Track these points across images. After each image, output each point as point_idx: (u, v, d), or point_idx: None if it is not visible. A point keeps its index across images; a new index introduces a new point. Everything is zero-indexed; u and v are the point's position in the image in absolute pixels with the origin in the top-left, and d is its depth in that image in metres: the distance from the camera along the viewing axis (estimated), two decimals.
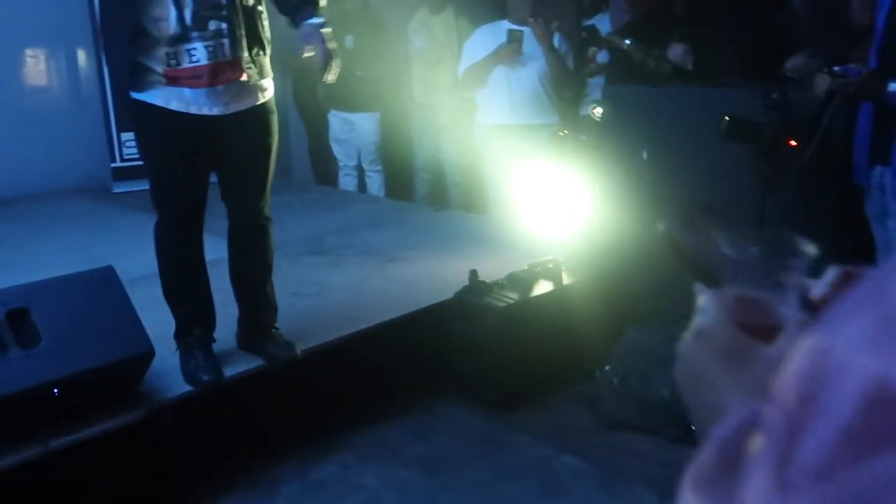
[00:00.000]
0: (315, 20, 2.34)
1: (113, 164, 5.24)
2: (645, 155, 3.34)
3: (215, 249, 2.66)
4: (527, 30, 4.06)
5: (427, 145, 5.35)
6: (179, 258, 2.48)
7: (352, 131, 5.33)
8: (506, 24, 4.18)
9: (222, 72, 2.31)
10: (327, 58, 2.33)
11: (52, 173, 5.23)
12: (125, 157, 5.19)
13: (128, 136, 5.02)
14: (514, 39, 4.03)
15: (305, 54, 2.36)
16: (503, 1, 4.36)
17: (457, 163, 5.18)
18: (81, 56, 5.58)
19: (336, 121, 5.33)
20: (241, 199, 2.52)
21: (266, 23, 2.45)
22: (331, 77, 2.36)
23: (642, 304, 3.30)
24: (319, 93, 5.28)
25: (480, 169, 4.63)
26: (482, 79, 4.13)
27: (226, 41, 2.30)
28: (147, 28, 2.27)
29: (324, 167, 5.89)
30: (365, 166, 5.46)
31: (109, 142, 5.23)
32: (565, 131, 3.58)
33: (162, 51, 2.26)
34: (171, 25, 2.25)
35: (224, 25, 2.30)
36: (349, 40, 5.00)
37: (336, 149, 5.47)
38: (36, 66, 5.59)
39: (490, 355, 3.05)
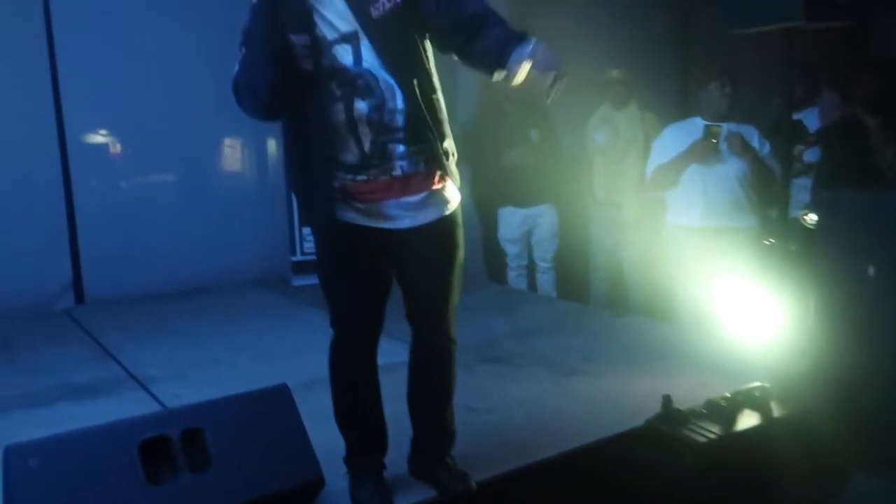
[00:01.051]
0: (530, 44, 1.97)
1: (293, 258, 5.36)
2: (871, 270, 2.91)
3: (395, 353, 2.52)
4: (726, 125, 3.76)
5: (607, 243, 5.09)
6: (352, 381, 2.34)
7: (528, 226, 5.16)
8: (699, 121, 3.89)
9: (400, 187, 2.17)
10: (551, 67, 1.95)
11: (234, 264, 5.41)
12: (305, 250, 5.29)
13: (308, 230, 5.11)
14: (710, 135, 3.74)
15: (519, 76, 1.97)
16: (693, 96, 4.10)
17: (639, 262, 4.86)
18: (271, 145, 5.75)
19: (514, 218, 5.16)
20: (423, 320, 2.35)
21: (444, 116, 2.24)
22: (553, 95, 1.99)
23: (870, 447, 2.81)
24: (506, 158, 5.07)
25: (666, 272, 4.29)
26: (674, 178, 3.85)
27: (405, 162, 2.15)
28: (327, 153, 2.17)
29: (494, 263, 5.74)
30: (540, 263, 5.25)
31: (291, 234, 5.37)
32: (771, 239, 3.20)
33: (341, 174, 2.16)
34: (352, 156, 2.14)
35: (402, 147, 2.13)
36: (534, 134, 4.90)
37: (507, 246, 5.29)
38: (232, 155, 5.87)
39: (686, 496, 2.67)
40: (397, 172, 2.15)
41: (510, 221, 5.18)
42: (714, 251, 3.73)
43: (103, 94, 5.08)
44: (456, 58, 2.16)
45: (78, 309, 5.00)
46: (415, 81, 2.09)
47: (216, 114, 5.40)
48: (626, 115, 4.89)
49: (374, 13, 2.03)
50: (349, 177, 2.16)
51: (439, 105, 2.20)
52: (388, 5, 2.04)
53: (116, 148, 5.42)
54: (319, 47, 2.04)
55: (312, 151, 2.15)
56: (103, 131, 5.31)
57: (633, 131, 4.86)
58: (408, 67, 2.09)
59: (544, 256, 5.21)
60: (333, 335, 2.31)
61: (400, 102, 2.09)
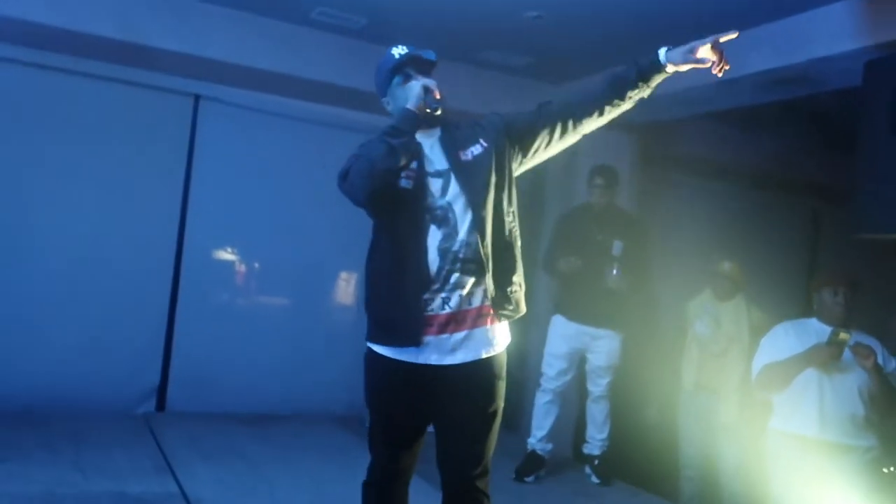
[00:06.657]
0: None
1: None
2: None
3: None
4: (855, 333, 3.43)
5: (697, 439, 4.70)
6: None
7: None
8: (815, 323, 3.60)
9: (451, 322, 2.20)
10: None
11: (317, 395, 5.38)
12: None
13: None
14: (836, 342, 3.38)
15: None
16: (807, 295, 3.83)
17: (736, 467, 4.45)
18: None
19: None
20: (453, 465, 2.25)
21: (516, 252, 2.32)
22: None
23: None
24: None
25: (767, 481, 3.87)
26: (787, 381, 3.51)
27: (462, 293, 2.20)
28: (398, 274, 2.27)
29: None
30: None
31: None
32: (892, 468, 2.85)
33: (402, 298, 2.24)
34: (416, 280, 2.21)
35: (465, 278, 2.20)
36: (616, 247, 4.50)
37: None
38: (343, 290, 5.93)
39: None
40: (452, 304, 2.19)
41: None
42: (823, 468, 3.35)
43: (226, 218, 5.37)
44: (583, 126, 2.34)
45: (156, 416, 5.02)
46: (487, 218, 2.24)
47: (330, 250, 5.59)
48: (731, 307, 4.58)
49: (463, 158, 2.28)
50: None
51: (509, 242, 2.29)
52: (476, 151, 2.29)
53: (228, 267, 5.61)
54: (419, 176, 2.25)
55: (387, 271, 2.25)
56: (218, 251, 5.53)
57: (737, 327, 4.54)
58: (483, 205, 2.24)
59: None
60: (369, 469, 2.39)
61: (467, 235, 2.21)
